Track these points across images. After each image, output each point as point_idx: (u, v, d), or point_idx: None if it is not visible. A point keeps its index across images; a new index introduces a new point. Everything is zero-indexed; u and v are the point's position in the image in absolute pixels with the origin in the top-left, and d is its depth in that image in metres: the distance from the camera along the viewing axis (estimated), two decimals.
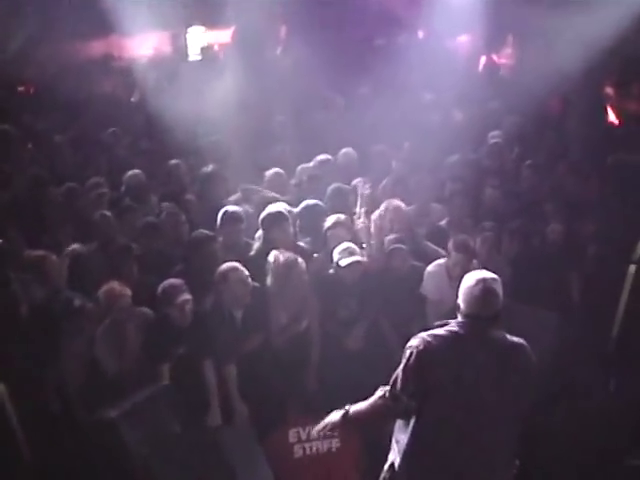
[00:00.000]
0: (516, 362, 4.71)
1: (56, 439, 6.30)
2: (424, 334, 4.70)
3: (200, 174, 9.55)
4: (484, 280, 4.70)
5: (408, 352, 4.67)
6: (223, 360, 6.78)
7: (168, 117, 10.51)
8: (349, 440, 6.41)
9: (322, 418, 6.20)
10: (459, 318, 4.75)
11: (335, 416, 4.97)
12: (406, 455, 4.76)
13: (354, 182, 8.69)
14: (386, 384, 4.79)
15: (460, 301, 4.73)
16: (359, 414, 4.90)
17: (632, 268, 7.01)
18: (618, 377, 7.03)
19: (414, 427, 4.71)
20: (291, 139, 10.93)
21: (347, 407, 4.92)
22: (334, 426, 5.02)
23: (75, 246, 7.92)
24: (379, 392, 4.82)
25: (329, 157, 9.92)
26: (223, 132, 10.74)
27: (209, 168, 9.47)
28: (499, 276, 7.23)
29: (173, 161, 10.05)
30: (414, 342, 4.67)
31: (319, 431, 5.24)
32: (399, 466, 4.80)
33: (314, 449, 6.34)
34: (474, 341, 4.66)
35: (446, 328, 4.71)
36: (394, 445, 4.91)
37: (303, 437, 6.38)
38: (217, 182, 9.14)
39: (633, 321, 6.96)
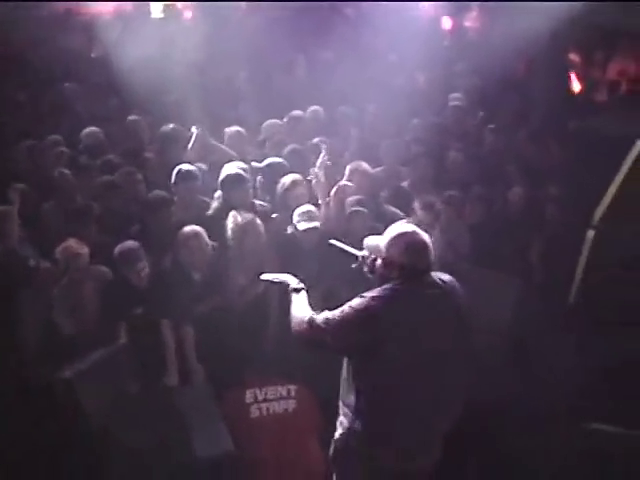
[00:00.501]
0: (452, 300, 4.73)
1: (12, 401, 6.26)
2: (366, 295, 4.61)
3: (160, 132, 9.44)
4: (416, 232, 4.69)
5: (348, 309, 4.59)
6: (181, 320, 6.79)
7: (129, 74, 10.37)
8: (306, 401, 6.43)
9: (279, 380, 6.31)
10: (395, 274, 4.66)
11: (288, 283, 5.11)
12: (364, 415, 4.71)
13: (314, 140, 8.65)
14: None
15: (394, 255, 4.65)
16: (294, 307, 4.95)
17: (590, 233, 7.06)
18: (576, 341, 7.09)
19: (366, 386, 4.67)
20: (254, 99, 10.84)
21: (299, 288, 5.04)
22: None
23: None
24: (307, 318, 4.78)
25: (301, 114, 9.87)
26: (185, 90, 10.63)
27: (169, 127, 9.36)
28: (460, 242, 7.31)
29: (132, 117, 9.97)
30: (356, 301, 4.60)
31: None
32: (359, 427, 4.73)
33: (270, 410, 6.32)
34: (416, 297, 4.61)
35: (386, 287, 4.64)
36: (345, 410, 4.84)
37: (260, 398, 6.36)
38: (177, 141, 9.05)
39: (590, 286, 7.01)
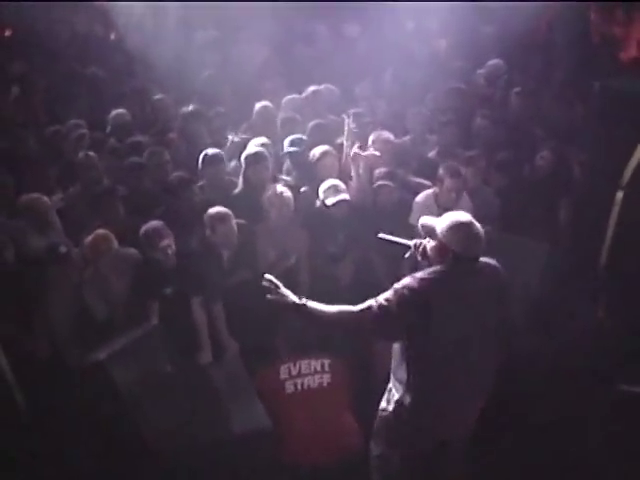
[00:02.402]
0: (495, 284, 4.90)
1: (48, 386, 6.31)
2: (416, 276, 4.75)
3: (181, 113, 9.40)
4: (473, 223, 4.79)
5: (401, 290, 4.70)
6: (211, 298, 6.83)
7: (150, 54, 10.34)
8: (340, 375, 6.44)
9: (312, 353, 6.33)
10: (447, 259, 4.77)
11: (289, 301, 4.90)
12: (412, 390, 4.91)
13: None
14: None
15: (452, 242, 4.75)
16: (321, 316, 4.85)
17: (619, 195, 6.99)
18: (606, 304, 7.06)
19: (415, 362, 4.84)
20: (277, 75, 10.78)
21: (305, 301, 4.86)
22: (283, 306, 4.95)
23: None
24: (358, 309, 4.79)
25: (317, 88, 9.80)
26: (210, 69, 10.65)
27: (190, 107, 9.35)
28: (488, 207, 7.27)
29: (158, 96, 9.95)
30: (406, 282, 4.73)
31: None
32: (409, 402, 4.93)
33: (305, 385, 6.34)
34: (464, 281, 4.76)
35: (435, 270, 4.78)
36: (395, 384, 5.02)
37: (294, 373, 6.37)
38: (199, 121, 9.05)
39: (621, 248, 6.96)
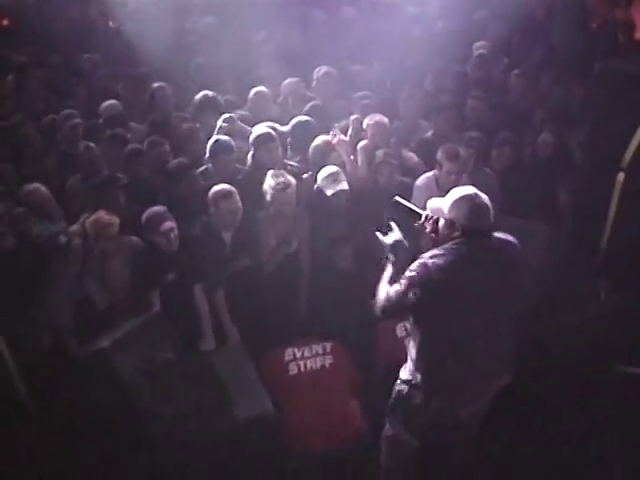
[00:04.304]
0: (511, 263, 4.93)
1: (50, 375, 6.32)
2: (427, 255, 4.81)
3: (195, 100, 9.17)
4: (477, 195, 4.85)
5: (410, 276, 4.77)
6: (213, 285, 6.81)
7: (149, 42, 10.29)
8: (341, 357, 6.48)
9: (314, 338, 6.36)
10: (457, 235, 4.83)
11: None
12: (422, 367, 4.97)
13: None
14: None
15: (457, 217, 4.81)
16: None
17: (620, 176, 6.97)
18: (607, 287, 7.05)
19: (423, 341, 4.93)
20: (272, 58, 10.72)
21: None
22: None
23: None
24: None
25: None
26: (206, 55, 10.60)
27: (204, 94, 9.14)
28: (487, 189, 7.25)
29: (157, 84, 9.74)
30: (417, 264, 4.79)
31: None
32: (418, 378, 5.00)
33: (308, 366, 6.38)
34: (475, 256, 4.79)
35: (445, 247, 4.82)
36: (409, 362, 5.08)
37: (298, 355, 6.44)
38: (211, 108, 8.85)
39: (621, 230, 6.94)
